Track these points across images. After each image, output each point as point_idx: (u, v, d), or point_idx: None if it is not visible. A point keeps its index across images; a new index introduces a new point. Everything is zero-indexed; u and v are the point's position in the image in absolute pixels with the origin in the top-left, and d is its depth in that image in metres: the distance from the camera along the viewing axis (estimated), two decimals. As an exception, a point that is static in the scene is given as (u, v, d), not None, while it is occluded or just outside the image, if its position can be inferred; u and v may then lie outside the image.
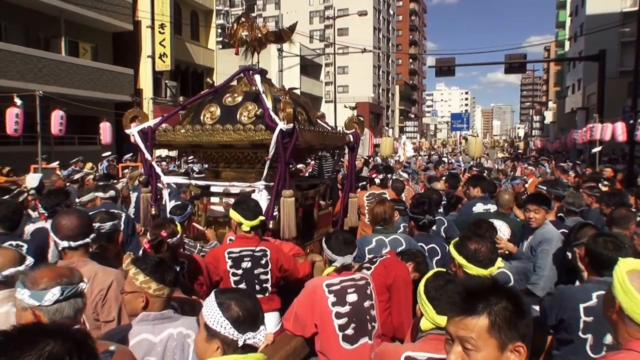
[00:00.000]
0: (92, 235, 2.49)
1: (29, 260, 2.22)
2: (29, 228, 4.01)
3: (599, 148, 12.51)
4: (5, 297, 2.13)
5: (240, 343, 1.56)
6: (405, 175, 9.11)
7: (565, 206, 5.16)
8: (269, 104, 3.97)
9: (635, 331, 1.67)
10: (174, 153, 17.64)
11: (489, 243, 2.52)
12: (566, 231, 4.27)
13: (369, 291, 2.81)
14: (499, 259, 2.52)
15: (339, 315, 2.67)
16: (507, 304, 1.31)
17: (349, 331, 2.67)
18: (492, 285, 1.37)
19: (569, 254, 3.39)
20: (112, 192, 4.99)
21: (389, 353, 2.05)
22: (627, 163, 14.00)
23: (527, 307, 1.35)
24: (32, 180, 7.70)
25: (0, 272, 2.09)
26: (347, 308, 2.69)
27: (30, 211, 5.48)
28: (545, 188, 5.60)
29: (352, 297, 2.71)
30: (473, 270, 2.41)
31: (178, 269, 2.61)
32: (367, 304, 2.77)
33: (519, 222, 4.93)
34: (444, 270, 2.18)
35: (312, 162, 8.56)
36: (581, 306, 2.77)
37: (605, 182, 6.83)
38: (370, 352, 2.64)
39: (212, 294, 1.65)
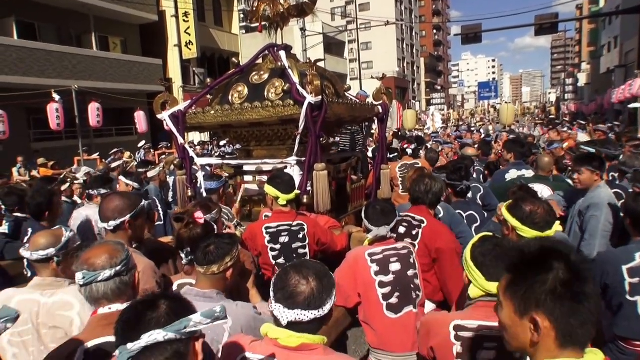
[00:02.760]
0: (123, 219, 2.48)
1: (65, 237, 2.27)
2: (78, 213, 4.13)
3: (639, 104, 11.86)
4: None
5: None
6: (445, 145, 8.86)
7: (619, 167, 4.87)
8: (295, 78, 3.89)
9: None
10: (206, 137, 17.87)
11: (545, 205, 2.37)
12: (620, 191, 4.05)
13: (412, 260, 2.73)
14: (557, 222, 2.35)
15: (382, 285, 2.62)
16: (549, 275, 1.17)
17: (393, 300, 2.61)
18: (551, 249, 1.21)
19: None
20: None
21: (436, 322, 1.98)
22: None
23: (588, 273, 1.19)
24: (81, 172, 8.01)
25: (37, 251, 2.16)
26: (390, 277, 2.63)
27: (77, 199, 5.70)
28: (588, 149, 5.31)
29: (395, 266, 2.65)
30: (528, 233, 2.28)
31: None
32: (410, 272, 2.69)
33: (569, 185, 4.71)
34: (490, 234, 2.06)
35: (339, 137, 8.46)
36: (624, 268, 2.68)
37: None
38: (415, 321, 2.58)
39: None
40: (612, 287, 2.74)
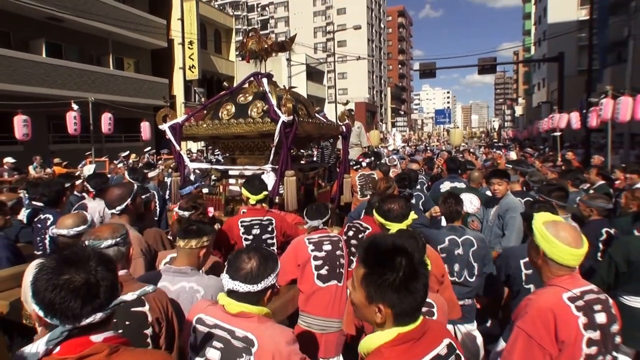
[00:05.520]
0: (126, 203, 2.60)
1: (90, 222, 2.38)
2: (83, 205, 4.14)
3: (559, 133, 12.41)
4: None
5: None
6: (396, 159, 9.09)
7: (527, 180, 5.20)
8: (273, 101, 4.02)
9: (556, 269, 1.72)
10: (201, 145, 17.78)
11: (401, 201, 2.50)
12: (530, 199, 4.30)
13: (340, 245, 2.93)
14: (412, 212, 2.49)
15: (316, 258, 2.81)
16: (390, 274, 1.18)
17: (323, 271, 2.80)
18: (390, 248, 1.23)
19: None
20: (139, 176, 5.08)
21: None
22: (584, 147, 13.91)
23: (413, 285, 1.19)
24: (87, 170, 7.91)
25: (69, 230, 2.25)
26: (322, 253, 2.83)
27: (84, 194, 5.64)
28: (511, 166, 5.62)
29: (327, 247, 2.85)
30: (391, 225, 2.41)
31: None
32: (338, 253, 2.89)
33: (487, 194, 4.95)
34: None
35: (315, 151, 8.60)
36: (522, 262, 2.80)
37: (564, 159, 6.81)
38: (339, 293, 2.78)
39: None
40: (513, 276, 2.87)
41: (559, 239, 1.67)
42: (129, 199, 2.61)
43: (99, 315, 1.12)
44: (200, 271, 2.17)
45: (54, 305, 1.07)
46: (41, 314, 1.08)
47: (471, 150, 15.23)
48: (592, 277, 2.98)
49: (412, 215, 2.44)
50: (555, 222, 1.73)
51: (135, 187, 2.74)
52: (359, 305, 1.26)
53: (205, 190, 4.45)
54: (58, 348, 1.09)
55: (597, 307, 1.65)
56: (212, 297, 2.02)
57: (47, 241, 3.17)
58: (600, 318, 1.63)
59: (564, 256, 1.67)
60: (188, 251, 2.10)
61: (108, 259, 1.22)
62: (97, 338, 1.14)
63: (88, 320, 1.10)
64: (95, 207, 3.64)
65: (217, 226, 3.06)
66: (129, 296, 1.23)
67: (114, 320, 1.30)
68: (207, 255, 2.20)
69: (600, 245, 3.35)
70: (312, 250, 2.81)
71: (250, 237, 3.21)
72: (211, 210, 3.02)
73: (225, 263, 1.68)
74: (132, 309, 1.71)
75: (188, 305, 1.96)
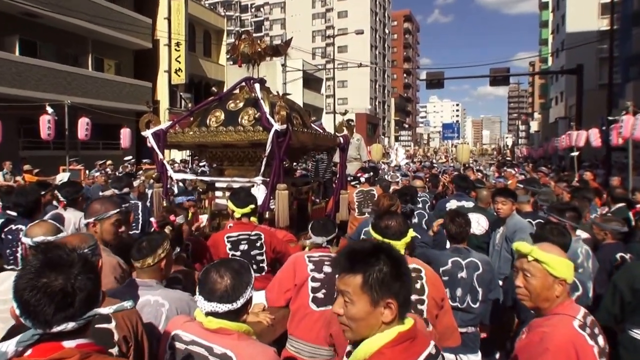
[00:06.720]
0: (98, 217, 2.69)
1: (64, 233, 2.39)
2: (50, 214, 4.18)
3: (577, 153, 12.54)
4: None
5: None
6: (398, 176, 9.23)
7: (537, 199, 5.31)
8: (266, 108, 4.12)
9: (564, 295, 1.79)
10: (186, 154, 17.88)
11: (399, 218, 2.56)
12: (541, 221, 4.39)
13: None
14: (411, 229, 2.54)
15: (314, 279, 2.84)
16: (384, 266, 1.34)
17: (320, 295, 2.82)
18: (372, 249, 1.39)
19: None
20: (126, 189, 5.15)
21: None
22: (604, 167, 14.09)
23: (404, 270, 1.38)
24: (62, 178, 7.96)
25: (33, 239, 2.26)
26: (322, 275, 2.85)
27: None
28: (522, 186, 5.75)
29: (327, 269, 2.86)
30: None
31: (179, 250, 2.76)
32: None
33: (495, 215, 5.05)
34: None
35: (309, 164, 8.71)
36: None
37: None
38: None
39: None
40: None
41: (563, 255, 1.77)
42: (96, 217, 2.69)
43: (70, 325, 1.17)
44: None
45: (28, 307, 1.15)
46: (18, 312, 1.16)
47: (478, 168, 15.37)
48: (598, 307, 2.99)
49: (411, 233, 2.51)
50: (540, 244, 1.84)
51: (130, 205, 2.82)
52: (362, 317, 1.34)
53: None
54: (30, 351, 1.17)
55: (596, 330, 1.73)
56: (177, 310, 2.11)
57: (19, 254, 3.20)
58: (601, 342, 1.71)
59: (571, 273, 1.77)
60: (147, 269, 2.19)
61: (92, 267, 1.28)
62: (69, 344, 1.20)
63: (59, 328, 1.16)
64: (70, 219, 3.69)
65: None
66: (106, 310, 1.29)
67: None
68: (169, 265, 2.28)
69: (614, 271, 3.43)
70: (311, 270, 2.84)
71: (238, 253, 3.27)
72: (203, 220, 3.08)
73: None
74: (96, 326, 1.69)
75: (152, 319, 2.05)
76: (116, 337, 1.76)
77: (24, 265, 1.20)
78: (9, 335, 1.28)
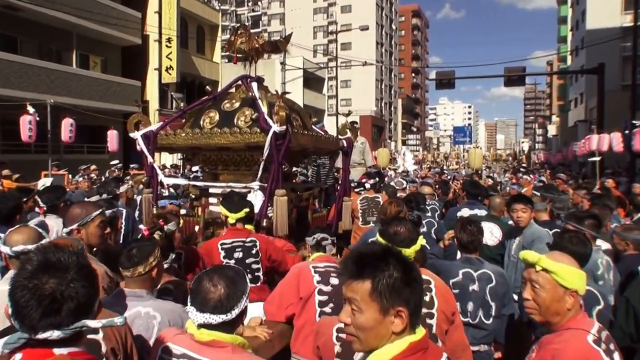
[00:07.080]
0: (81, 222, 2.70)
1: (46, 239, 2.40)
2: (34, 221, 4.21)
3: (597, 158, 12.48)
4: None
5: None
6: (404, 182, 9.26)
7: (552, 207, 5.34)
8: (264, 108, 4.16)
9: (577, 307, 1.80)
10: (177, 158, 17.93)
11: (408, 224, 2.58)
12: (558, 231, 4.41)
13: None
14: (421, 237, 2.55)
15: (321, 292, 2.83)
16: (394, 271, 1.34)
17: (327, 309, 2.81)
18: (381, 252, 1.39)
19: None
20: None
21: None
22: (629, 174, 14.06)
23: (415, 276, 1.37)
24: (44, 184, 8.00)
25: (12, 247, 2.28)
26: (329, 288, 2.85)
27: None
28: (539, 193, 5.79)
29: (334, 281, 2.86)
30: None
31: (174, 257, 2.78)
32: None
33: (509, 224, 5.07)
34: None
35: (310, 170, 8.74)
36: None
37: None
38: None
39: None
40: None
41: (574, 264, 1.80)
42: (79, 223, 2.69)
43: (56, 333, 1.19)
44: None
45: (18, 307, 1.19)
46: (10, 311, 1.20)
47: (488, 174, 15.37)
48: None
49: (421, 240, 2.52)
50: (549, 253, 1.88)
51: (118, 210, 2.85)
52: (371, 326, 1.34)
53: (182, 212, 4.54)
54: (20, 354, 1.20)
55: (612, 345, 1.74)
56: (170, 322, 2.13)
57: (-4, 263, 3.23)
58: (617, 358, 1.72)
59: (583, 283, 1.79)
60: (137, 278, 2.20)
61: (88, 274, 1.30)
62: (60, 351, 1.23)
63: (44, 335, 1.18)
64: (53, 226, 3.73)
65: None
66: (94, 323, 1.31)
67: None
68: (160, 273, 2.30)
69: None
70: (317, 282, 2.84)
71: (232, 261, 3.29)
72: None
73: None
74: None
75: (143, 332, 2.07)
76: (104, 349, 1.79)
77: (23, 263, 1.25)
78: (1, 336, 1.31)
